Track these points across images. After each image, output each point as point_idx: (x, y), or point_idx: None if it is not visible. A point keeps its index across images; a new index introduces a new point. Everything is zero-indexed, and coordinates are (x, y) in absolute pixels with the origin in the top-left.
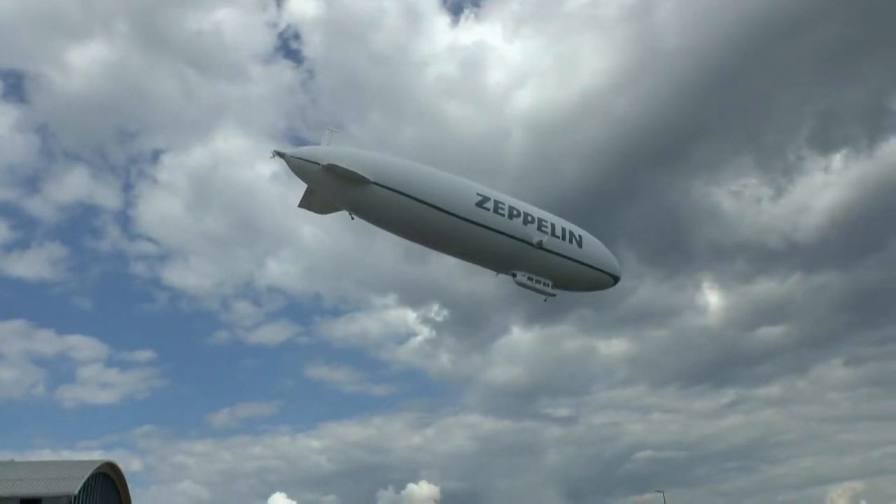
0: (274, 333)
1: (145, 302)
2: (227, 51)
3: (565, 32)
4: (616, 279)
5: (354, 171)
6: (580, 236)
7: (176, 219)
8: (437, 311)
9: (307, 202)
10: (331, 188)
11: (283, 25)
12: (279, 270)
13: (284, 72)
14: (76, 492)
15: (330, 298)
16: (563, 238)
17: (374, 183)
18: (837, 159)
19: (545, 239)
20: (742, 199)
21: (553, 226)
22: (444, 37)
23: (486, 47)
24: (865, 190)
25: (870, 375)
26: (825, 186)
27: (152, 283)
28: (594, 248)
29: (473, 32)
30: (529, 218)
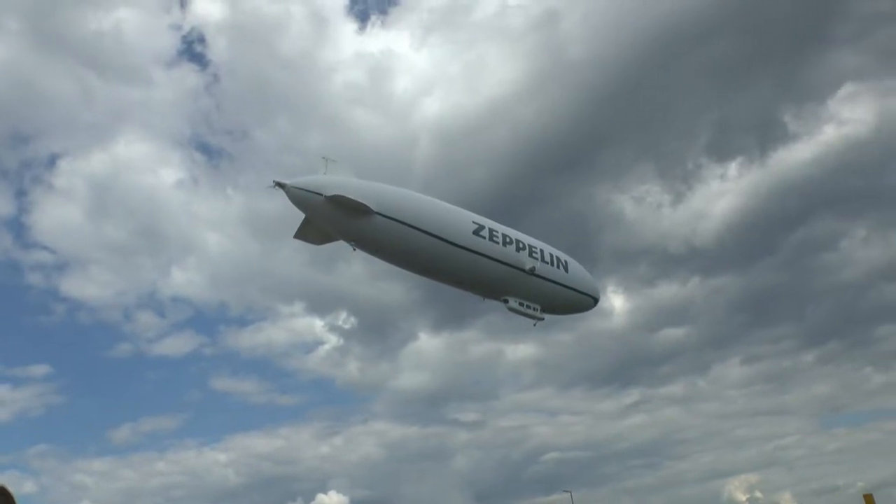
0: (178, 345)
1: (41, 314)
2: (127, 53)
3: (473, 41)
4: (596, 301)
5: (360, 201)
6: (566, 261)
7: (74, 226)
8: (344, 319)
9: (303, 233)
10: (332, 219)
11: (186, 28)
12: (184, 279)
13: (188, 75)
14: None
15: (236, 307)
16: (552, 264)
17: (377, 213)
18: (733, 167)
19: (537, 265)
20: (644, 205)
21: (542, 252)
22: (350, 43)
23: (393, 55)
24: (758, 197)
25: (764, 373)
26: (721, 193)
27: (49, 294)
28: (578, 272)
29: (380, 40)
30: (521, 245)
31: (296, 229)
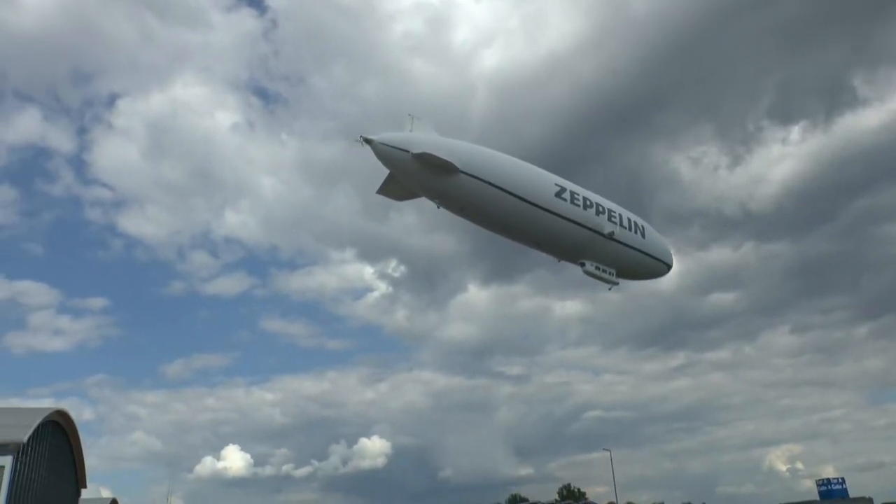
0: (230, 285)
1: (99, 249)
2: None
3: None
4: (669, 267)
5: (447, 159)
6: (643, 227)
7: (132, 165)
8: (394, 268)
9: (386, 189)
10: (418, 176)
11: None
12: (237, 221)
13: (246, 20)
14: (25, 439)
15: (287, 251)
16: (630, 229)
17: (462, 172)
18: (795, 131)
19: (616, 230)
20: (700, 166)
21: (621, 216)
22: None
23: (452, 4)
24: (821, 163)
25: (813, 343)
26: (782, 157)
27: (107, 230)
28: (654, 238)
29: None
30: (601, 208)
31: (379, 183)
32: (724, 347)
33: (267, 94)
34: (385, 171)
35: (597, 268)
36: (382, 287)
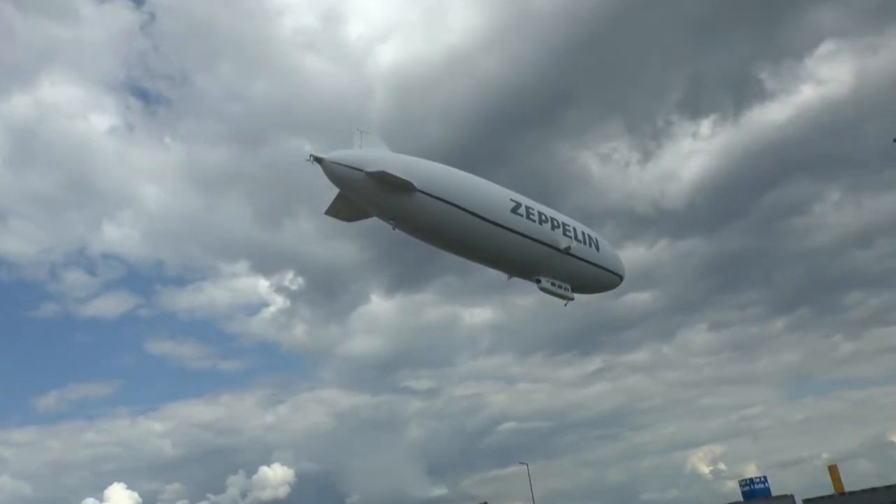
0: (111, 305)
1: None
2: None
3: None
4: (622, 278)
5: (404, 178)
6: (596, 239)
7: None
8: (291, 279)
9: (336, 209)
10: (372, 196)
11: None
12: (117, 235)
13: (122, 13)
14: None
15: (174, 266)
16: (585, 242)
17: (419, 191)
18: (705, 125)
19: (573, 244)
20: (610, 163)
21: (575, 230)
22: None
23: None
24: (731, 157)
25: (731, 340)
26: (693, 153)
27: None
28: (607, 250)
29: None
30: (556, 223)
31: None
32: (642, 348)
33: (147, 95)
34: (333, 191)
35: (552, 284)
36: (279, 301)
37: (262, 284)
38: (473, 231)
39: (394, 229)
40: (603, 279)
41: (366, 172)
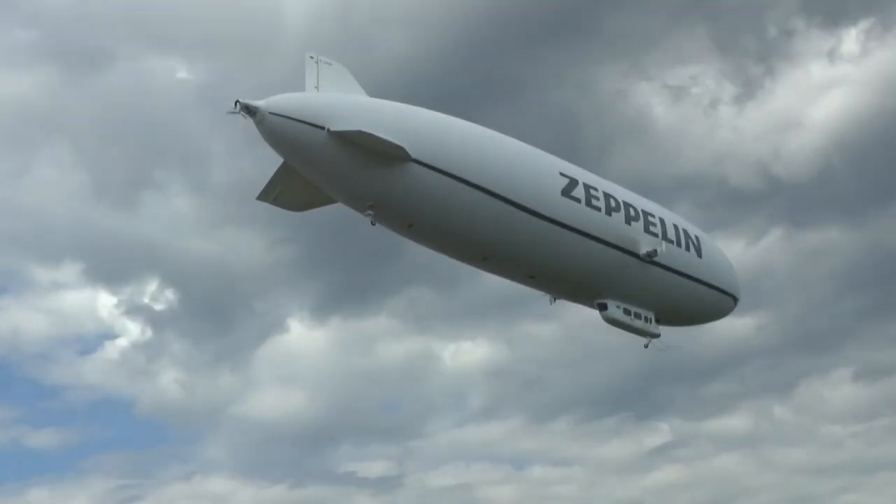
0: None
1: None
2: None
3: None
4: (736, 301)
5: (392, 141)
6: (697, 239)
7: None
8: (154, 294)
9: (275, 191)
10: (339, 170)
11: None
12: None
13: None
14: None
15: None
16: (680, 244)
17: (415, 160)
18: (851, 37)
19: (662, 247)
20: (688, 101)
21: (663, 223)
22: None
23: None
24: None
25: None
26: (828, 84)
27: None
28: (714, 255)
29: None
30: (633, 212)
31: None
32: (740, 410)
33: None
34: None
35: (626, 311)
36: (133, 330)
37: (105, 301)
38: (502, 226)
39: (372, 224)
40: (707, 303)
41: (329, 131)
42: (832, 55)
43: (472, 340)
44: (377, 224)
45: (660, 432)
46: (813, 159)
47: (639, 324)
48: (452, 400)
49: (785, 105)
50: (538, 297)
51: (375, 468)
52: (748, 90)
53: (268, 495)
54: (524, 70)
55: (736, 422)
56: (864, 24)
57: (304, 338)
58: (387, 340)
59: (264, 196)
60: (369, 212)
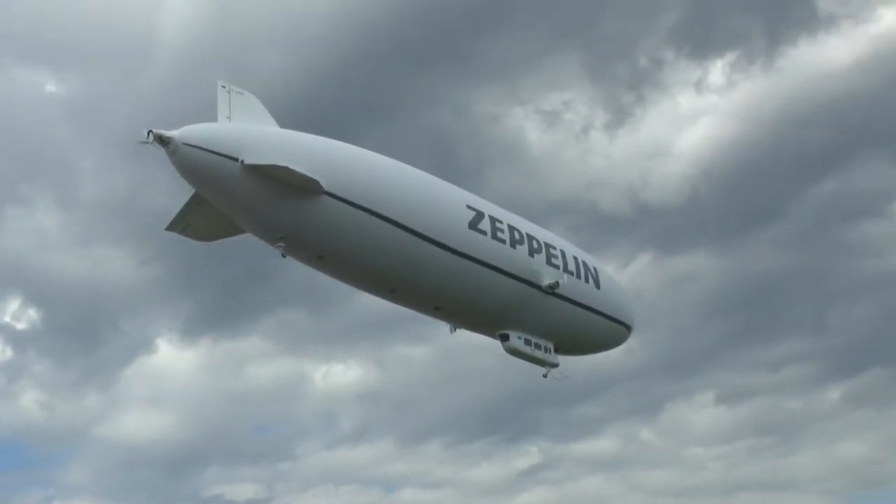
0: None
1: None
2: None
3: None
4: (630, 330)
5: (307, 174)
6: (595, 270)
7: None
8: (16, 313)
9: (185, 221)
10: (251, 202)
11: None
12: None
13: None
14: None
15: None
16: (580, 276)
17: (328, 193)
18: (717, 69)
19: (564, 279)
20: (560, 126)
21: (564, 255)
22: None
23: None
24: (759, 122)
25: (756, 419)
26: (696, 113)
27: None
28: (611, 287)
29: None
30: (535, 244)
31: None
32: (607, 433)
33: None
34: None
35: (526, 342)
36: None
37: None
38: (411, 259)
39: (283, 256)
40: (603, 333)
41: (243, 163)
42: (699, 86)
43: (343, 362)
44: (287, 256)
45: (529, 455)
46: (681, 186)
47: (539, 354)
48: (323, 422)
49: (654, 133)
50: (413, 319)
51: (244, 491)
52: (619, 117)
53: None
54: (401, 91)
55: (603, 444)
56: (729, 57)
57: (173, 358)
58: (258, 362)
59: (174, 226)
60: (280, 244)
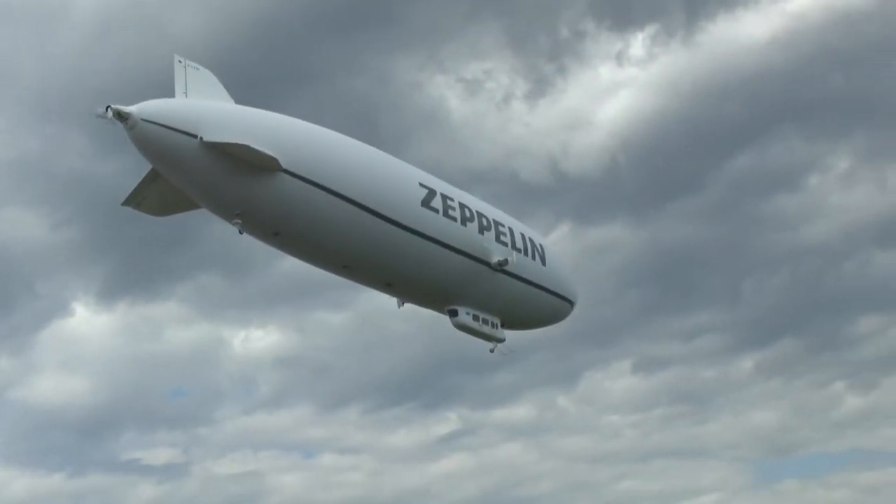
0: None
1: None
2: None
3: None
4: (573, 306)
5: (267, 153)
6: (541, 247)
7: None
8: None
9: (141, 197)
10: (208, 179)
11: None
12: None
13: None
14: None
15: None
16: (527, 253)
17: (286, 171)
18: (638, 42)
19: (512, 257)
20: (481, 95)
21: (512, 232)
22: None
23: None
24: (678, 94)
25: (669, 387)
26: (616, 85)
27: None
28: (557, 263)
29: None
30: (485, 222)
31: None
32: (524, 400)
33: None
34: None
35: (475, 318)
36: None
37: None
38: (365, 236)
39: (240, 233)
40: (548, 309)
41: (202, 140)
42: (620, 58)
43: (262, 328)
44: (244, 233)
45: (447, 421)
46: (600, 157)
47: (487, 329)
48: (242, 387)
49: (575, 104)
50: (333, 284)
51: (161, 455)
52: (540, 87)
53: (45, 484)
54: (322, 58)
55: (521, 411)
56: (650, 30)
57: (89, 322)
58: (176, 326)
59: (129, 201)
60: (237, 220)
